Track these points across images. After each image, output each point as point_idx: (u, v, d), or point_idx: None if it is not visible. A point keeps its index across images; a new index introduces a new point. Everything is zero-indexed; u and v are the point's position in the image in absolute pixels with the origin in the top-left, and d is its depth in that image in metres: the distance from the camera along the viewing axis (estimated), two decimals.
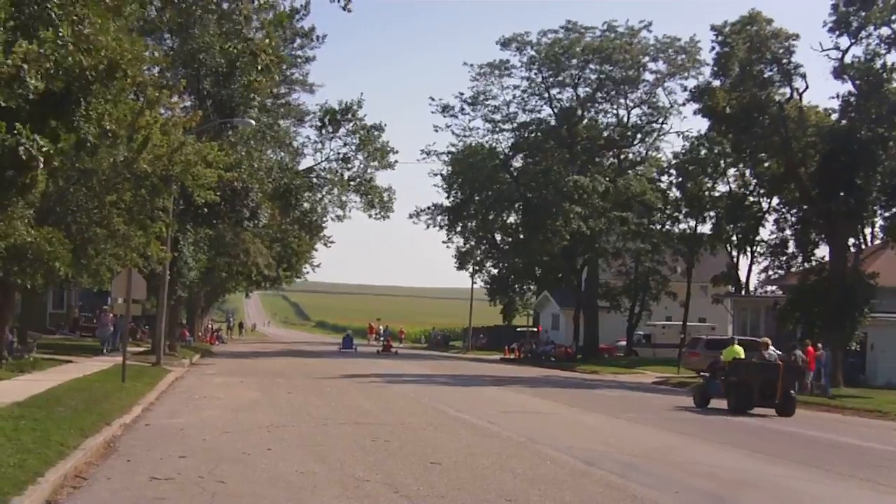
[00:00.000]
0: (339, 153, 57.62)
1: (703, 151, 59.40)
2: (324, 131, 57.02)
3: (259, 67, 36.07)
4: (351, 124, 56.78)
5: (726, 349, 29.43)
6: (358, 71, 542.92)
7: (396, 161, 58.73)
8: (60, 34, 13.78)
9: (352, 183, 58.54)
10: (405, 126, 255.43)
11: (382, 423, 19.13)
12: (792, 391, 26.95)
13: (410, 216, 74.57)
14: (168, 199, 30.41)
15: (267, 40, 36.52)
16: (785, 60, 40.98)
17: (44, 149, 14.13)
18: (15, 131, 13.83)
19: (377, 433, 17.23)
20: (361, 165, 58.25)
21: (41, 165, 14.04)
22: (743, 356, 28.50)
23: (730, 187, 62.03)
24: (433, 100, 70.63)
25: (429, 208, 74.07)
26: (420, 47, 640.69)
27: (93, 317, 52.84)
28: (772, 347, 28.04)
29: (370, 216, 60.56)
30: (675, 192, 63.64)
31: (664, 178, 65.00)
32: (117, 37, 15.47)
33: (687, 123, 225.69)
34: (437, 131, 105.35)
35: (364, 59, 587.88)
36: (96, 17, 14.89)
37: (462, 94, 68.74)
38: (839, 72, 39.55)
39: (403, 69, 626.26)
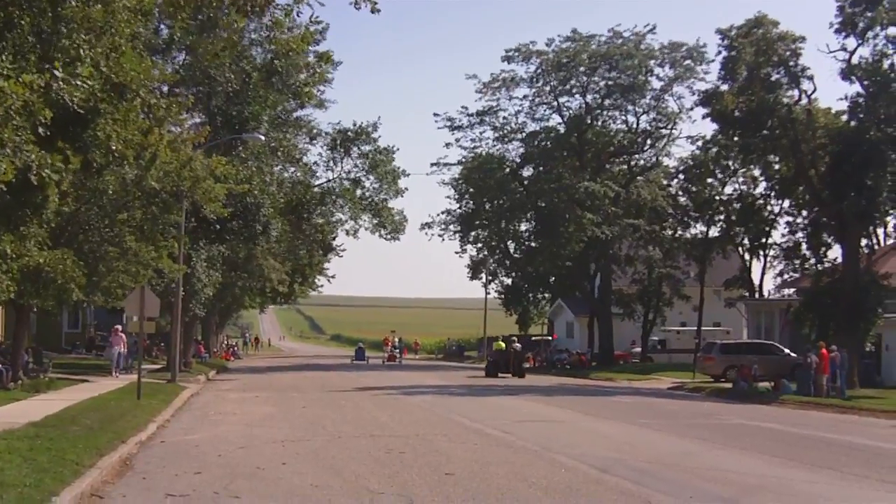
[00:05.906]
0: (349, 173, 58.10)
1: (712, 153, 58.95)
2: (335, 152, 57.50)
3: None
4: (366, 146, 57.28)
5: (495, 342, 55.27)
6: (360, 80, 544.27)
7: (406, 188, 59.61)
8: (78, 72, 13.81)
9: (363, 202, 58.87)
10: (412, 136, 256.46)
11: (397, 435, 19.17)
12: (524, 364, 50.81)
13: (422, 227, 73.91)
14: (179, 215, 30.56)
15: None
16: (792, 63, 40.78)
17: (56, 166, 14.20)
18: (25, 150, 13.90)
19: (392, 445, 17.28)
20: (373, 187, 58.83)
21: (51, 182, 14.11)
22: (503, 348, 51.32)
23: (739, 190, 61.79)
24: (438, 115, 69.34)
25: (441, 214, 73.80)
26: (422, 56, 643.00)
27: (108, 335, 52.76)
28: (517, 344, 51.44)
29: (380, 236, 61.08)
30: (683, 197, 63.49)
31: (673, 182, 64.80)
32: (126, 55, 15.51)
33: (696, 128, 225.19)
34: (447, 147, 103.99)
35: (366, 67, 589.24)
36: (127, 55, 15.00)
37: (467, 108, 68.37)
38: (847, 73, 39.38)
39: (405, 78, 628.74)
